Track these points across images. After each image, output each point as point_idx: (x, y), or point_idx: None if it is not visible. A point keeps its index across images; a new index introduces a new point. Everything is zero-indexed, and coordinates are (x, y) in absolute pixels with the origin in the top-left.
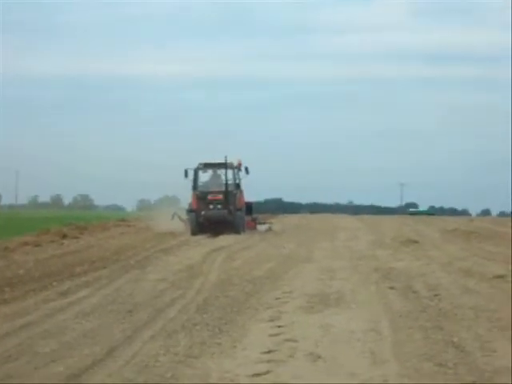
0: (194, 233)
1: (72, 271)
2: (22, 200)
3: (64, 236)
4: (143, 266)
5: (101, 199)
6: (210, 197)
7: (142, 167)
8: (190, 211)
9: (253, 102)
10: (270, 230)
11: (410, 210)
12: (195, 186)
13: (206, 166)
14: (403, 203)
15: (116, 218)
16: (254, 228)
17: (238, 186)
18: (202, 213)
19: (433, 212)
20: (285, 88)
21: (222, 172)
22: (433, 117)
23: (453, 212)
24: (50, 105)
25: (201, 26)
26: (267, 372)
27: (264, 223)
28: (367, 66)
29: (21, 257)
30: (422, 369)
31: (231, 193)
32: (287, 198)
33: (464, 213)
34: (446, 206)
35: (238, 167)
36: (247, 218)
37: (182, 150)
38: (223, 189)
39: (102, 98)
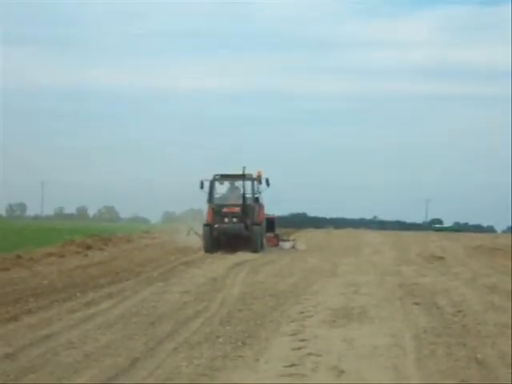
0: (207, 249)
1: (96, 282)
2: (48, 211)
3: (88, 247)
4: (167, 278)
5: (126, 211)
6: (225, 210)
7: (167, 179)
8: (204, 225)
9: (279, 115)
10: (293, 247)
11: (435, 226)
12: (211, 199)
13: (223, 177)
14: (428, 219)
15: (140, 230)
16: (276, 245)
17: (257, 199)
18: (216, 226)
19: (458, 228)
20: (309, 102)
21: (240, 184)
22: (459, 131)
23: (478, 228)
24: (77, 116)
25: (222, 40)
26: None
27: (287, 240)
28: (390, 81)
29: (45, 267)
30: None
31: (249, 206)
32: (312, 213)
33: (489, 229)
34: (472, 222)
35: (258, 179)
36: (268, 235)
37: (208, 162)
38: (240, 202)
39: (129, 112)
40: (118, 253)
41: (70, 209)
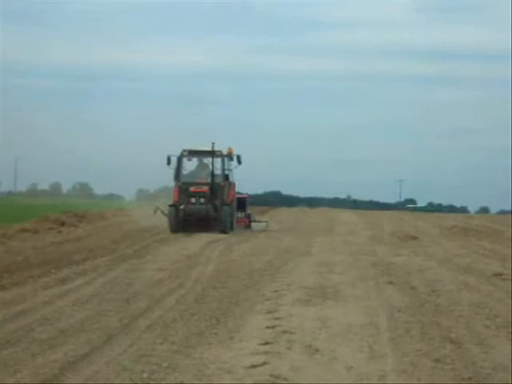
0: (172, 230)
1: (70, 259)
2: (21, 187)
3: (62, 224)
4: (141, 255)
5: (100, 188)
6: (192, 189)
7: (141, 155)
8: (170, 205)
9: (255, 95)
10: (266, 229)
11: (409, 206)
12: (177, 176)
13: (191, 153)
14: (402, 199)
15: (115, 208)
16: (248, 226)
17: (227, 177)
18: (181, 207)
19: (431, 208)
20: (287, 81)
21: (209, 161)
22: (433, 114)
23: (451, 209)
24: (51, 92)
25: (207, 21)
26: (264, 363)
27: (260, 221)
28: (368, 61)
29: (19, 244)
30: (419, 364)
31: (218, 185)
32: (286, 191)
33: (463, 210)
34: (445, 202)
35: (229, 156)
36: (239, 215)
37: (184, 139)
38: (209, 180)
39: (105, 87)
40: (92, 230)
41: (44, 185)
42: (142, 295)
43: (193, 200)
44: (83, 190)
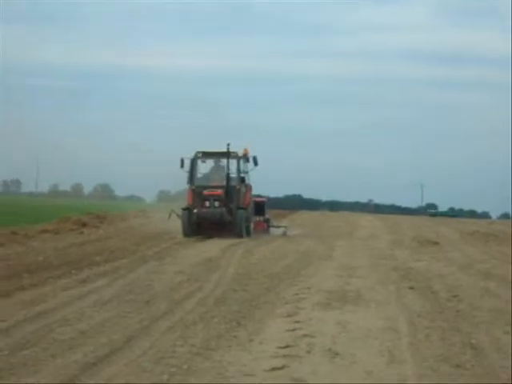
0: (186, 234)
1: (91, 260)
2: (42, 188)
3: (83, 225)
4: (161, 257)
5: (121, 190)
6: (206, 192)
7: (163, 158)
8: (183, 209)
9: (275, 98)
10: (285, 234)
11: (430, 210)
12: (191, 179)
13: (205, 155)
14: (423, 204)
15: (136, 209)
16: (266, 231)
17: (242, 179)
18: (195, 211)
19: (453, 213)
20: (307, 84)
21: (224, 163)
22: (457, 119)
23: (472, 214)
24: (73, 93)
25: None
26: (284, 367)
27: (278, 226)
28: (385, 64)
29: (40, 244)
30: (439, 369)
31: (233, 188)
32: (307, 195)
33: (484, 215)
34: (466, 208)
35: (245, 157)
36: (257, 219)
37: (202, 142)
38: (224, 183)
39: (125, 89)
40: (113, 231)
41: (65, 186)
42: (161, 297)
43: (207, 203)
44: (104, 191)
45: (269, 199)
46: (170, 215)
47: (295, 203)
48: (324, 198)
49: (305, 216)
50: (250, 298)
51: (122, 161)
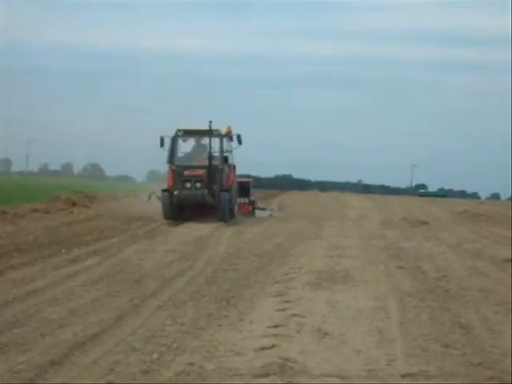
0: (166, 217)
1: (81, 239)
2: (33, 167)
3: (73, 204)
4: (152, 236)
5: (111, 169)
6: (187, 172)
7: (153, 138)
8: (163, 190)
9: (265, 79)
10: (271, 216)
11: (420, 191)
12: (171, 159)
13: (186, 133)
14: (413, 184)
15: (126, 189)
16: (251, 213)
17: (226, 159)
18: (175, 193)
19: (442, 194)
20: (297, 65)
21: (207, 142)
22: (446, 99)
23: (462, 194)
24: (62, 73)
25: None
26: (273, 346)
27: (264, 209)
28: (382, 45)
29: (30, 223)
30: (428, 349)
31: (216, 168)
32: (297, 175)
33: (473, 196)
34: (456, 188)
35: (228, 135)
36: (241, 201)
37: (196, 120)
38: (206, 163)
39: (118, 69)
40: (104, 210)
41: (55, 166)
42: (152, 276)
43: (188, 185)
44: (94, 171)
45: (258, 179)
46: (149, 197)
47: (286, 183)
48: (314, 178)
49: (295, 196)
50: (240, 277)
51: (112, 141)
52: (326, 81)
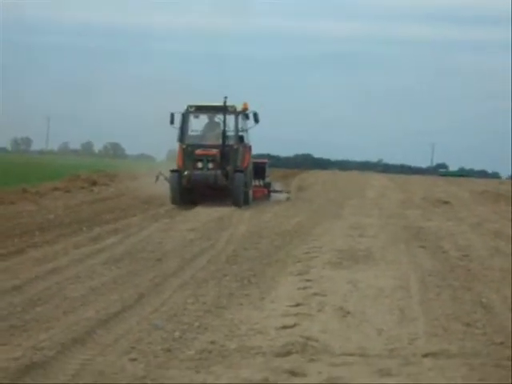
0: (174, 201)
1: (102, 218)
2: (53, 146)
3: (94, 183)
4: (172, 215)
5: (131, 148)
6: (198, 152)
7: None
8: (171, 171)
9: (286, 58)
10: (288, 200)
11: (441, 170)
12: (182, 137)
13: (199, 109)
14: (433, 164)
15: (146, 168)
16: (266, 196)
17: (241, 138)
18: (185, 173)
19: (463, 173)
20: (318, 45)
21: (220, 119)
22: (467, 79)
23: (483, 174)
24: (83, 52)
25: None
26: (295, 325)
27: (280, 191)
28: (400, 26)
29: (51, 202)
30: (450, 328)
31: (230, 147)
32: (317, 154)
33: (494, 175)
34: (477, 168)
35: (243, 113)
36: (255, 183)
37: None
38: (219, 142)
39: (135, 47)
40: (124, 189)
41: (75, 144)
42: (173, 255)
43: (199, 165)
44: (115, 150)
45: (279, 158)
46: (157, 178)
47: (306, 162)
48: (334, 157)
49: (315, 175)
50: (260, 256)
51: (132, 119)
52: (344, 61)
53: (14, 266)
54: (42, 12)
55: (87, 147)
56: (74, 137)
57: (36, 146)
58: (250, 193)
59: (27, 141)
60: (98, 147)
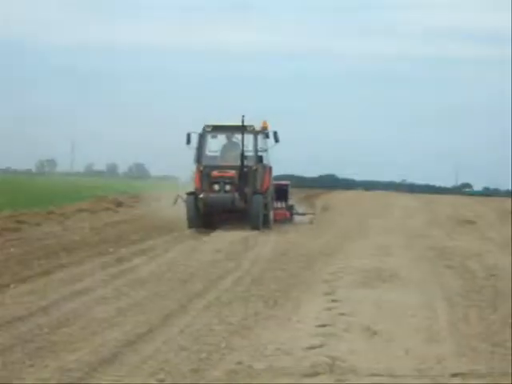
0: (191, 224)
1: (127, 239)
2: (78, 168)
3: (119, 204)
4: (197, 236)
5: (156, 169)
6: (215, 173)
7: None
8: (188, 194)
9: (309, 76)
10: (312, 223)
11: (465, 190)
12: (199, 158)
13: (216, 129)
14: (458, 183)
15: (170, 189)
16: (289, 219)
17: (260, 158)
18: (201, 196)
19: (488, 193)
20: (341, 63)
21: (239, 139)
22: (489, 96)
23: (508, 194)
24: (106, 74)
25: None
26: (322, 345)
27: (304, 214)
28: (424, 43)
29: (76, 223)
30: (477, 348)
31: (249, 168)
32: (341, 175)
33: None
34: (503, 187)
35: (263, 132)
36: (277, 205)
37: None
38: (237, 163)
39: (162, 68)
40: (149, 210)
41: (100, 166)
42: (198, 276)
43: (216, 187)
44: (139, 171)
45: (303, 179)
46: (175, 200)
47: (330, 183)
48: (358, 177)
49: (340, 195)
50: (286, 277)
51: (157, 140)
52: (369, 78)
53: (41, 287)
54: (68, 34)
55: (112, 168)
56: (98, 158)
57: (61, 167)
58: (271, 215)
59: (52, 163)
60: (122, 168)
